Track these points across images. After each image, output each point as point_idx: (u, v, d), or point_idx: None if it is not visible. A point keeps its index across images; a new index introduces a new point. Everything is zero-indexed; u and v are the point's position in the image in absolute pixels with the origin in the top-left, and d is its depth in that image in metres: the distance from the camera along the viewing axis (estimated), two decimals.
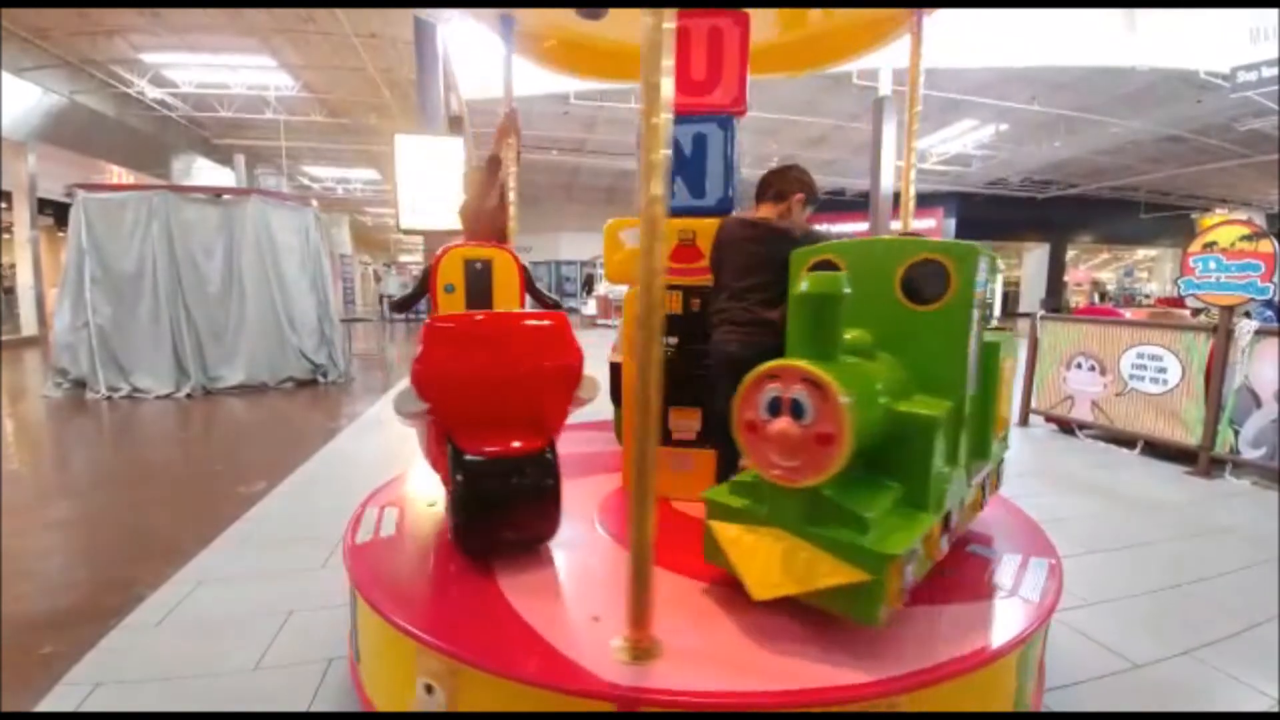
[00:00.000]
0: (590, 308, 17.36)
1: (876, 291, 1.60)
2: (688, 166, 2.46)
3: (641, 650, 1.23)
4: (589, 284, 19.20)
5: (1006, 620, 1.42)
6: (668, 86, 1.19)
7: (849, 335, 1.52)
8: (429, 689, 1.33)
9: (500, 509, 1.67)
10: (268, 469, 3.81)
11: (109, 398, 6.20)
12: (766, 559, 1.34)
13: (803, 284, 1.35)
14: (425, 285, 2.16)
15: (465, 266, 2.15)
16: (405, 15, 7.94)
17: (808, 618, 1.37)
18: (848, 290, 1.34)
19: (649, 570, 1.24)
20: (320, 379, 7.24)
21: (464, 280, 2.16)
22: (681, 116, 2.44)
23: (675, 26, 2.38)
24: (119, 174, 12.60)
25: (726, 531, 1.43)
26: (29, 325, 11.79)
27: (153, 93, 12.03)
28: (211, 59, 10.89)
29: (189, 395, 6.36)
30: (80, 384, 6.35)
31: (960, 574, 1.63)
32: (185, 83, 11.85)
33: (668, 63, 1.19)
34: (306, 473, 3.84)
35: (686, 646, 1.30)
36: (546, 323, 1.85)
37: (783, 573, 1.30)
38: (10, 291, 12.53)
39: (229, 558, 2.63)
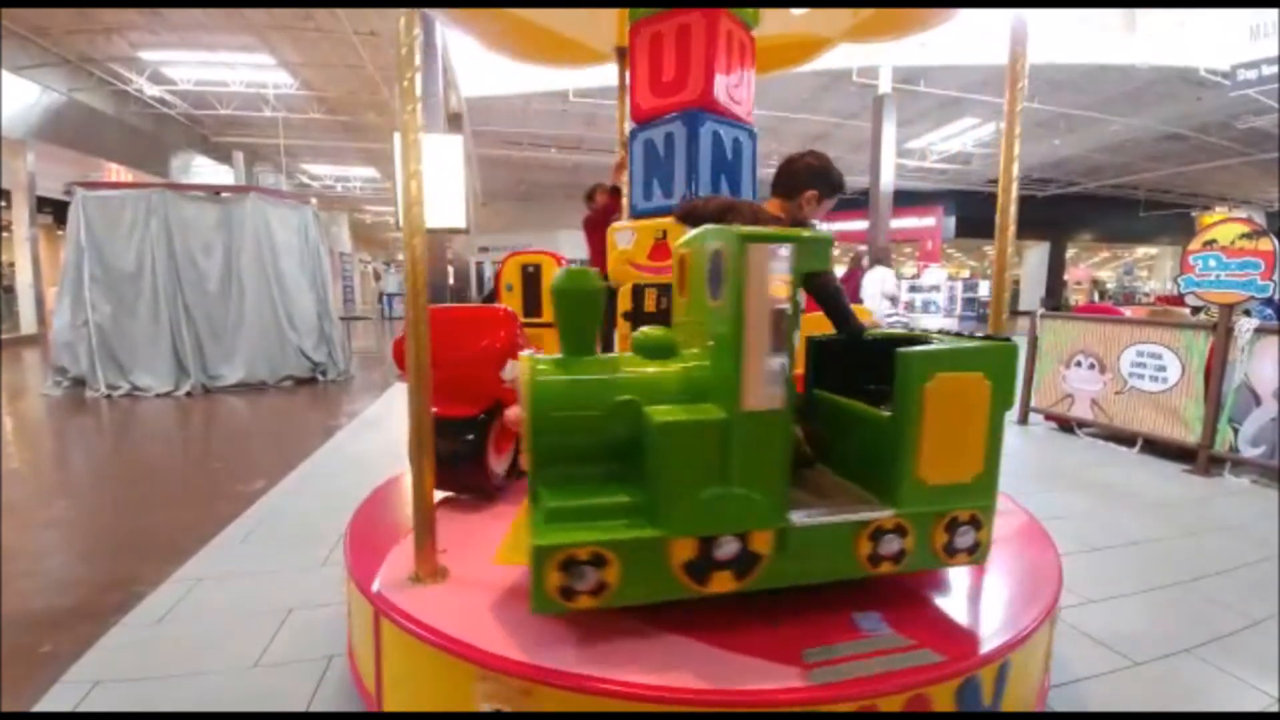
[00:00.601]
0: None
1: (700, 286, 1.49)
2: (662, 168, 2.47)
3: (419, 577, 1.53)
4: None
5: (740, 679, 1.20)
6: (420, 111, 1.47)
7: (655, 332, 1.50)
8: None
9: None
10: (267, 467, 3.82)
11: (108, 396, 6.20)
12: (515, 531, 1.64)
13: (555, 278, 1.42)
14: (498, 285, 2.88)
15: (521, 270, 2.81)
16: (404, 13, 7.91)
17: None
18: (601, 286, 1.43)
19: (428, 511, 1.55)
20: (320, 377, 7.23)
21: (520, 281, 2.81)
22: (658, 118, 2.46)
23: (651, 32, 2.40)
24: (118, 172, 12.59)
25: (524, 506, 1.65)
26: (28, 324, 11.80)
27: (151, 90, 12.02)
28: (210, 56, 10.87)
29: (188, 393, 6.36)
30: (80, 382, 6.36)
31: (787, 630, 1.35)
32: (184, 80, 11.83)
33: (417, 88, 1.45)
34: (306, 471, 3.84)
35: (477, 588, 1.50)
36: (476, 315, 2.17)
37: (512, 545, 1.61)
38: (10, 290, 12.54)
39: (229, 556, 2.64)
